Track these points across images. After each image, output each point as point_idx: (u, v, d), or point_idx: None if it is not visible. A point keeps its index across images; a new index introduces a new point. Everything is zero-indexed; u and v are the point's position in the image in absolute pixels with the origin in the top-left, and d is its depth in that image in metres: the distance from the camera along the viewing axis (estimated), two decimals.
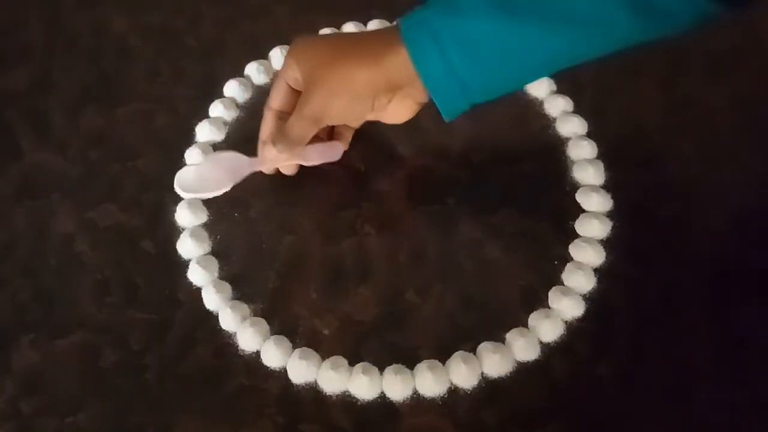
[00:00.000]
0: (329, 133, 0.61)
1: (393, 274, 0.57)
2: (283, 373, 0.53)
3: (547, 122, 0.65)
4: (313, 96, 0.55)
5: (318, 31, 0.69)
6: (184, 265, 0.57)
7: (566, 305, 0.55)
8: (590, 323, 0.55)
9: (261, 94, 0.66)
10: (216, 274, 0.57)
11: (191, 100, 0.66)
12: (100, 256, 0.58)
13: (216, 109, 0.65)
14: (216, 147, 0.64)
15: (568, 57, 0.54)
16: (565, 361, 0.53)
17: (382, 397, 0.52)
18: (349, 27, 0.70)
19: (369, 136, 0.63)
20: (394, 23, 0.55)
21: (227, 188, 0.57)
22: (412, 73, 0.53)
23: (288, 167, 0.61)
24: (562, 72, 0.56)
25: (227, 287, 0.56)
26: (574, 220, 0.59)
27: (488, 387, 0.52)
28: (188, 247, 0.58)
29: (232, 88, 0.67)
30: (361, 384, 0.52)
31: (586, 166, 0.62)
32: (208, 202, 0.60)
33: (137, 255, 0.58)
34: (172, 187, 0.61)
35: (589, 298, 0.56)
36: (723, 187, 0.61)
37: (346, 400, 0.52)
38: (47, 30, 0.71)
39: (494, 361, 0.53)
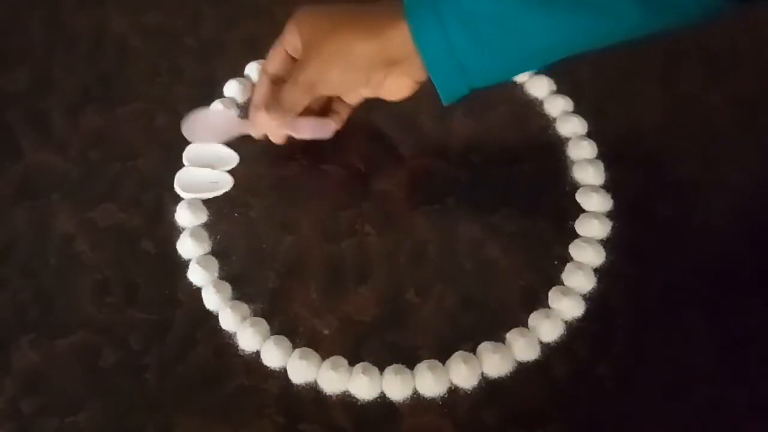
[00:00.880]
0: (324, 110, 0.61)
1: (393, 274, 0.57)
2: (283, 373, 0.53)
3: (547, 122, 0.65)
4: (309, 64, 0.56)
5: None
6: (184, 265, 0.57)
7: (566, 305, 0.55)
8: (590, 323, 0.55)
9: None
10: (216, 274, 0.57)
11: (191, 100, 0.66)
12: (100, 256, 0.58)
13: (216, 108, 0.65)
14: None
15: (571, 43, 0.53)
16: (565, 361, 0.53)
17: (382, 397, 0.52)
18: None
19: (369, 136, 0.63)
20: None
21: (221, 140, 0.61)
22: (412, 49, 0.53)
23: (277, 136, 0.60)
24: (565, 60, 0.55)
25: (227, 287, 0.56)
26: (574, 220, 0.59)
27: (488, 387, 0.52)
28: (188, 247, 0.58)
29: (232, 88, 0.67)
30: (361, 384, 0.52)
31: (586, 166, 0.62)
32: (208, 202, 0.61)
33: (137, 255, 0.58)
34: (172, 187, 0.61)
35: (589, 298, 0.56)
36: (723, 187, 0.62)
37: (346, 400, 0.52)
38: (47, 30, 0.71)
39: (494, 361, 0.53)
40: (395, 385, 0.52)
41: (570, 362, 0.53)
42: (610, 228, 0.59)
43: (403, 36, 0.53)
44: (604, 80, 0.67)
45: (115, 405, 0.52)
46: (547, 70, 0.67)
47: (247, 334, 0.54)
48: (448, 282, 0.57)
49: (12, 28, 0.72)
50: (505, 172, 0.62)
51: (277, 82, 0.59)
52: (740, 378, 0.53)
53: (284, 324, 0.55)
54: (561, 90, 0.67)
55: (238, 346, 0.54)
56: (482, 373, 0.53)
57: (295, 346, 0.54)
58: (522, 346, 0.53)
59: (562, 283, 0.57)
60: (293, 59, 0.58)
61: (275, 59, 0.59)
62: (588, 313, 0.55)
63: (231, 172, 0.62)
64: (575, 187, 0.61)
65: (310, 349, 0.54)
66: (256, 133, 0.61)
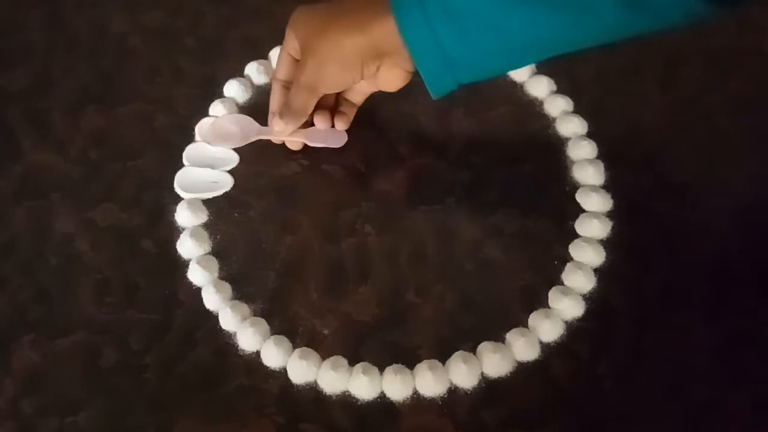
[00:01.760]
0: (333, 111, 0.63)
1: (393, 274, 0.57)
2: (283, 373, 0.53)
3: (547, 122, 0.65)
4: (306, 64, 0.57)
5: None
6: (184, 265, 0.57)
7: (566, 305, 0.55)
8: (590, 323, 0.55)
9: (261, 94, 0.66)
10: (216, 274, 0.57)
11: (191, 100, 0.66)
12: (101, 256, 0.58)
13: (216, 109, 0.65)
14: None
15: (552, 41, 0.54)
16: (565, 361, 0.53)
17: (382, 396, 0.52)
18: None
19: (369, 136, 0.63)
20: None
21: (237, 144, 0.62)
22: (399, 42, 0.54)
23: (293, 143, 0.62)
24: (553, 59, 0.55)
25: (227, 287, 0.56)
26: (574, 220, 0.59)
27: (488, 387, 0.52)
28: (188, 247, 0.58)
29: (232, 88, 0.67)
30: (361, 384, 0.52)
31: (586, 166, 0.62)
32: (208, 202, 0.61)
33: (137, 255, 0.58)
34: (172, 187, 0.61)
35: (589, 298, 0.56)
36: (723, 187, 0.62)
37: (346, 400, 0.52)
38: (47, 30, 0.71)
39: (494, 361, 0.53)
40: (395, 385, 0.52)
41: (570, 362, 0.53)
42: (610, 228, 0.59)
43: (390, 28, 0.53)
44: (604, 80, 0.67)
45: (116, 405, 0.52)
46: (546, 70, 0.67)
47: (247, 334, 0.54)
48: (448, 282, 0.57)
49: (12, 27, 0.72)
50: (505, 172, 0.63)
51: (289, 87, 0.60)
52: (740, 378, 0.53)
53: (284, 324, 0.55)
54: (561, 90, 0.67)
55: (238, 346, 0.54)
56: (482, 373, 0.53)
57: (295, 346, 0.54)
58: (522, 346, 0.53)
59: (562, 283, 0.57)
60: (298, 61, 0.59)
61: (282, 65, 0.61)
62: (588, 313, 0.55)
63: (231, 172, 0.62)
64: (575, 187, 0.61)
65: (310, 349, 0.54)
66: (275, 138, 0.62)
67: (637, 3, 0.50)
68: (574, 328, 0.55)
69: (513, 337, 0.54)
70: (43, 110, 0.66)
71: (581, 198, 0.61)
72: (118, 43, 0.70)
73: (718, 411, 0.52)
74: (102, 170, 0.62)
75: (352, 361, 0.53)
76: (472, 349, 0.54)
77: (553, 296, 0.56)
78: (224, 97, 0.66)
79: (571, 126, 0.64)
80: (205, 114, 0.65)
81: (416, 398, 0.52)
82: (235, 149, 0.63)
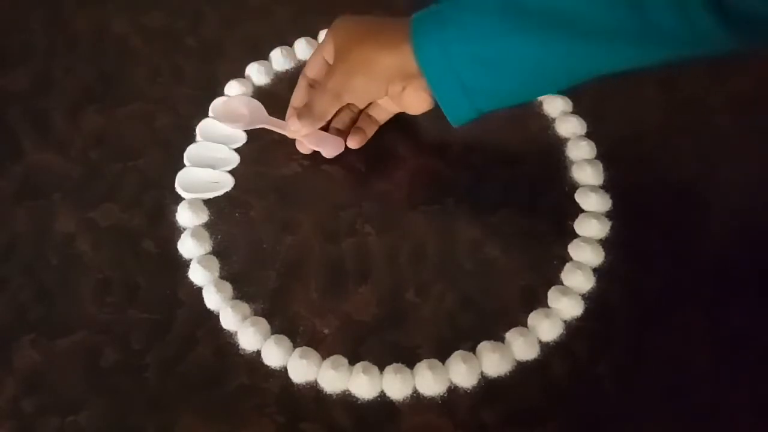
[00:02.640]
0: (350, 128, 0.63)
1: (393, 274, 0.57)
2: (283, 372, 0.53)
3: (547, 122, 0.66)
4: (336, 71, 0.58)
5: (318, 32, 0.69)
6: (184, 264, 0.58)
7: (565, 305, 0.55)
8: (589, 323, 0.55)
9: (261, 95, 0.66)
10: (217, 274, 0.57)
11: (192, 101, 0.66)
12: (101, 256, 0.58)
13: (231, 88, 0.66)
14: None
15: (573, 71, 0.54)
16: (565, 360, 0.53)
17: (382, 396, 0.52)
18: None
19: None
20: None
21: (244, 127, 0.63)
22: None
23: (304, 146, 0.62)
24: (569, 88, 0.55)
25: (228, 287, 0.57)
26: (574, 220, 0.59)
27: (488, 386, 0.53)
28: (189, 246, 0.58)
29: (232, 89, 0.67)
30: (361, 383, 0.52)
31: (585, 166, 0.62)
32: (208, 202, 0.61)
33: (138, 255, 0.58)
34: (173, 187, 0.61)
35: (588, 298, 0.56)
36: (723, 187, 0.62)
37: (346, 400, 0.52)
38: (48, 30, 0.71)
39: (494, 361, 0.53)
40: (395, 384, 0.52)
41: (569, 362, 0.53)
42: (609, 228, 0.59)
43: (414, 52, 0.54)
44: (603, 81, 0.67)
45: (116, 404, 0.52)
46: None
47: (248, 333, 0.54)
48: (448, 282, 0.57)
49: (13, 28, 0.72)
50: (505, 172, 0.63)
51: (314, 86, 0.61)
52: (740, 378, 0.53)
53: (285, 323, 0.55)
54: (560, 90, 0.67)
55: (238, 345, 0.54)
56: (482, 373, 0.53)
57: (295, 345, 0.54)
58: (521, 346, 0.54)
59: (561, 283, 0.57)
60: (329, 65, 0.59)
61: (314, 64, 0.61)
62: (587, 312, 0.55)
63: (232, 172, 0.62)
64: (574, 187, 0.61)
65: (310, 349, 0.54)
66: (288, 134, 0.62)
67: (652, 34, 0.50)
68: (573, 328, 0.55)
69: (512, 336, 0.54)
70: (43, 110, 0.66)
71: (580, 198, 0.61)
72: (118, 43, 0.70)
73: (718, 411, 0.52)
74: (103, 170, 0.62)
75: (353, 361, 0.53)
76: (472, 349, 0.54)
77: (553, 296, 0.56)
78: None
79: (570, 126, 0.64)
80: (206, 114, 0.65)
81: (416, 397, 0.52)
82: (235, 149, 0.63)
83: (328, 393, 0.52)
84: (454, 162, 0.63)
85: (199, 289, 0.56)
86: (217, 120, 0.64)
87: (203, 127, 0.64)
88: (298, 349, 0.54)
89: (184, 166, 0.62)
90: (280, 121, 0.63)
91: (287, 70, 0.68)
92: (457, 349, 0.53)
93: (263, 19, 0.72)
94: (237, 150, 0.63)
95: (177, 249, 0.58)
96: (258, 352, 0.54)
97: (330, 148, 0.62)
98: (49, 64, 0.69)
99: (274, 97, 0.66)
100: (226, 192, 0.61)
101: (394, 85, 0.57)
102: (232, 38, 0.71)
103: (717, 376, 0.53)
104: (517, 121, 0.66)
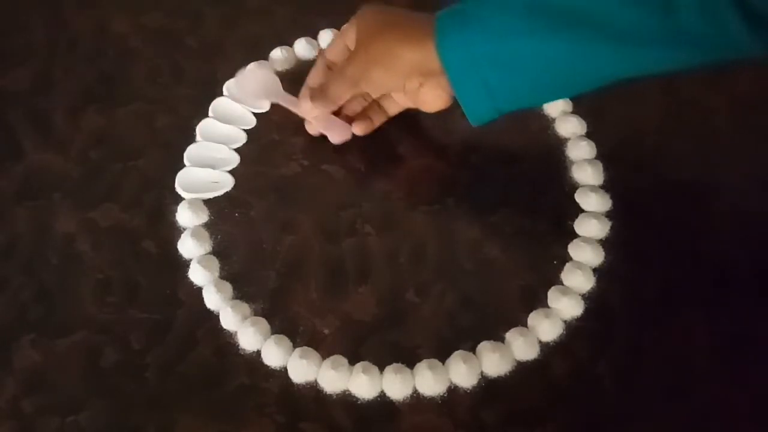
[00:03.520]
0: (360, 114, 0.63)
1: (393, 274, 0.57)
2: (283, 372, 0.53)
3: (547, 122, 0.66)
4: (356, 58, 0.58)
5: (318, 32, 0.70)
6: (185, 264, 0.58)
7: (565, 305, 0.55)
8: (589, 323, 0.55)
9: None
10: (217, 274, 0.57)
11: (192, 101, 0.66)
12: (101, 256, 0.58)
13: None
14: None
15: (592, 73, 0.53)
16: (565, 360, 0.54)
17: (382, 396, 0.52)
18: None
19: (369, 136, 0.63)
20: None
21: (255, 105, 0.65)
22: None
23: (313, 128, 0.63)
24: (596, 90, 0.55)
25: (228, 287, 0.57)
26: (573, 220, 0.60)
27: (488, 386, 0.53)
28: (189, 246, 0.58)
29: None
30: (361, 383, 0.52)
31: (585, 166, 0.62)
32: (209, 202, 0.61)
33: (138, 255, 0.58)
34: (173, 187, 0.61)
35: (588, 298, 0.56)
36: (722, 187, 0.62)
37: (346, 399, 0.52)
38: (48, 30, 0.71)
39: (494, 361, 0.53)
40: (395, 384, 0.52)
41: (569, 361, 0.53)
42: (609, 228, 0.59)
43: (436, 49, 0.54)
44: None
45: (116, 404, 0.52)
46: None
47: (248, 333, 0.54)
48: (447, 282, 0.57)
49: (14, 28, 0.72)
50: (505, 172, 0.63)
51: (332, 67, 0.61)
52: (740, 378, 0.53)
53: (285, 323, 0.55)
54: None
55: (238, 345, 0.54)
56: (482, 373, 0.53)
57: (295, 345, 0.54)
58: (521, 346, 0.54)
59: (561, 283, 0.57)
60: (350, 51, 0.60)
61: (334, 47, 0.62)
62: (587, 312, 0.55)
63: (231, 172, 0.62)
64: (574, 187, 0.61)
65: (310, 349, 0.54)
66: (299, 112, 0.63)
67: (681, 38, 0.49)
68: (573, 328, 0.55)
69: (512, 336, 0.54)
70: (44, 110, 0.66)
71: (580, 198, 0.61)
72: (118, 43, 0.70)
73: (718, 411, 0.52)
74: (103, 170, 0.62)
75: (353, 361, 0.53)
76: (472, 349, 0.54)
77: (553, 296, 0.56)
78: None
79: (570, 126, 0.64)
80: (205, 114, 0.65)
81: (416, 397, 0.52)
82: (235, 149, 0.63)
83: (328, 393, 0.52)
84: (454, 162, 0.63)
85: (199, 289, 0.56)
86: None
87: (203, 127, 0.64)
88: (298, 349, 0.54)
89: (184, 166, 0.62)
90: (294, 98, 0.63)
91: (287, 70, 0.68)
92: (457, 349, 0.53)
93: (263, 19, 0.72)
94: (237, 150, 0.63)
95: (177, 249, 0.58)
96: (258, 352, 0.54)
97: (337, 133, 0.62)
98: (50, 64, 0.69)
99: None
100: (226, 192, 0.61)
101: (412, 80, 0.57)
102: (232, 38, 0.71)
103: (716, 376, 0.53)
104: (517, 121, 0.65)
